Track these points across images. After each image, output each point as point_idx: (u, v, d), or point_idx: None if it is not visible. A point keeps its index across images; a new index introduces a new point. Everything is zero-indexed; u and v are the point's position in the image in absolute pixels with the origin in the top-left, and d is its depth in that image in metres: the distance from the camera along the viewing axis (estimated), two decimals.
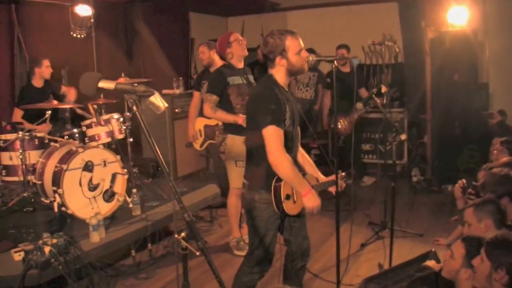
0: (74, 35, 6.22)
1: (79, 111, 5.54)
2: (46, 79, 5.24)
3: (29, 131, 4.45)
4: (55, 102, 4.88)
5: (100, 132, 4.85)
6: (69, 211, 4.04)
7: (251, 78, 4.47)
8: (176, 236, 2.12)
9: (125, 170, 4.49)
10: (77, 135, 4.75)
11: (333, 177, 2.99)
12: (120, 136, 4.98)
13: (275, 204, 2.80)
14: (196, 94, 5.50)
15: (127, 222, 4.27)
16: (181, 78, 7.24)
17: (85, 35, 6.33)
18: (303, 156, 3.14)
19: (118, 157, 4.46)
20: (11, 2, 5.62)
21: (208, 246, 4.83)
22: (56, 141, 4.57)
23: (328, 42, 6.77)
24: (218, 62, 4.75)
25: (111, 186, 4.35)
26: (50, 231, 3.57)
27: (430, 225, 5.18)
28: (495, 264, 2.16)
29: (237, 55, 4.39)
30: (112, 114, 4.98)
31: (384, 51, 7.83)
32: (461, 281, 2.42)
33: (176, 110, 6.84)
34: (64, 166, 4.04)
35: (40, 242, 3.35)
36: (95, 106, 4.96)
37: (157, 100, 2.12)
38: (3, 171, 4.48)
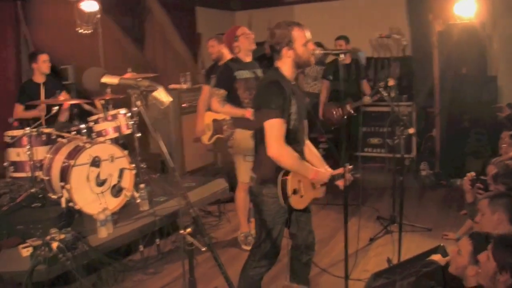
0: (81, 31, 6.21)
1: (86, 107, 5.51)
2: (47, 74, 5.19)
3: (35, 127, 4.45)
4: (61, 97, 4.88)
5: (108, 128, 4.85)
6: (76, 207, 4.04)
7: (259, 72, 4.43)
8: (181, 231, 2.11)
9: (133, 165, 4.49)
10: (84, 130, 4.74)
11: (340, 170, 2.97)
12: (128, 131, 4.97)
13: (282, 199, 2.79)
14: (205, 88, 5.45)
15: (135, 217, 4.27)
16: (188, 73, 7.22)
17: (91, 30, 6.32)
18: (310, 149, 3.12)
19: (126, 152, 4.45)
20: None
21: (216, 241, 4.84)
22: (63, 137, 4.57)
23: (335, 36, 6.71)
24: (227, 56, 4.71)
25: (118, 181, 4.35)
26: (58, 226, 3.60)
27: (439, 219, 5.15)
28: (500, 265, 2.14)
29: (245, 49, 4.36)
30: (119, 109, 4.98)
31: (391, 45, 7.77)
32: (469, 277, 2.40)
33: (184, 105, 6.82)
34: (72, 162, 4.04)
35: (48, 237, 3.37)
36: (102, 102, 4.96)
37: (161, 95, 2.11)
38: (11, 167, 4.50)
